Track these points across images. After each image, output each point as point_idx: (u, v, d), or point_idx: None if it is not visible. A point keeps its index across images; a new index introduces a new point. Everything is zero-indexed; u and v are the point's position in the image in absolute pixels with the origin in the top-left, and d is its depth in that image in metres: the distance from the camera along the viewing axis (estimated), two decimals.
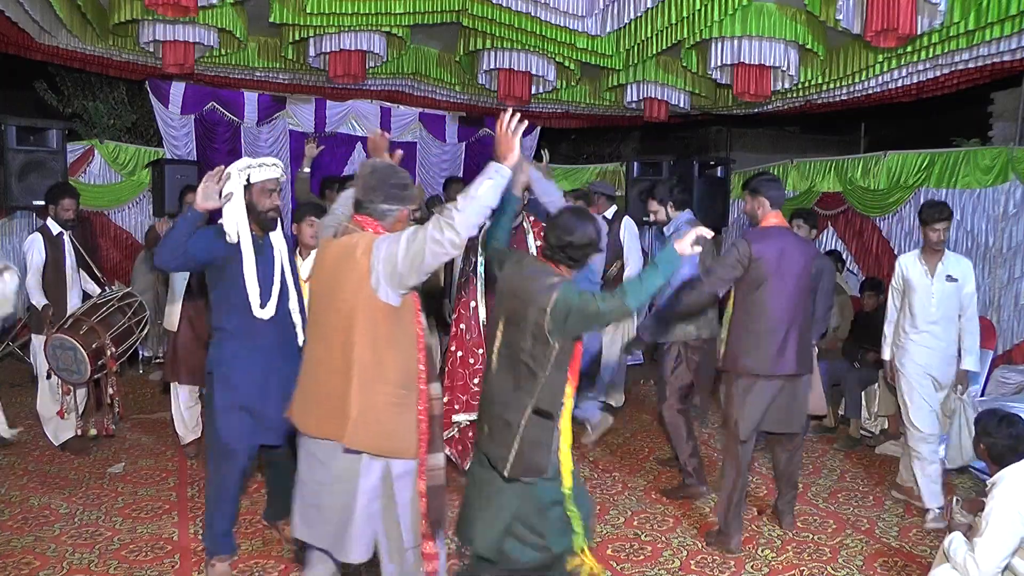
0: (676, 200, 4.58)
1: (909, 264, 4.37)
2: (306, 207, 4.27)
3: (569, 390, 2.76)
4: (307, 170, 5.51)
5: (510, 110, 2.53)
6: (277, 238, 3.40)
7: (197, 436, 5.05)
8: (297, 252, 4.12)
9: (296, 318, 3.41)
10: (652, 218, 4.74)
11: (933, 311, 4.26)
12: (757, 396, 3.78)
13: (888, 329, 4.54)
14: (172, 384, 5.06)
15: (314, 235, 3.93)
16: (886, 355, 4.54)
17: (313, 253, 3.49)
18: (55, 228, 5.05)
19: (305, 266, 3.90)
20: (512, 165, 2.42)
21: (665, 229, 4.65)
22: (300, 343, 3.34)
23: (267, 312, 3.29)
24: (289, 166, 8.09)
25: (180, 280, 4.97)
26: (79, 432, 5.01)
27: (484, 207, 2.37)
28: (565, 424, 2.78)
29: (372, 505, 2.47)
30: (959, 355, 4.33)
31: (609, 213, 5.90)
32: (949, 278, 4.25)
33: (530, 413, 2.67)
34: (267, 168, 3.26)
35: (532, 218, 4.22)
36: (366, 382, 2.43)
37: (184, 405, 5.02)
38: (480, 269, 4.14)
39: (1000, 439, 2.95)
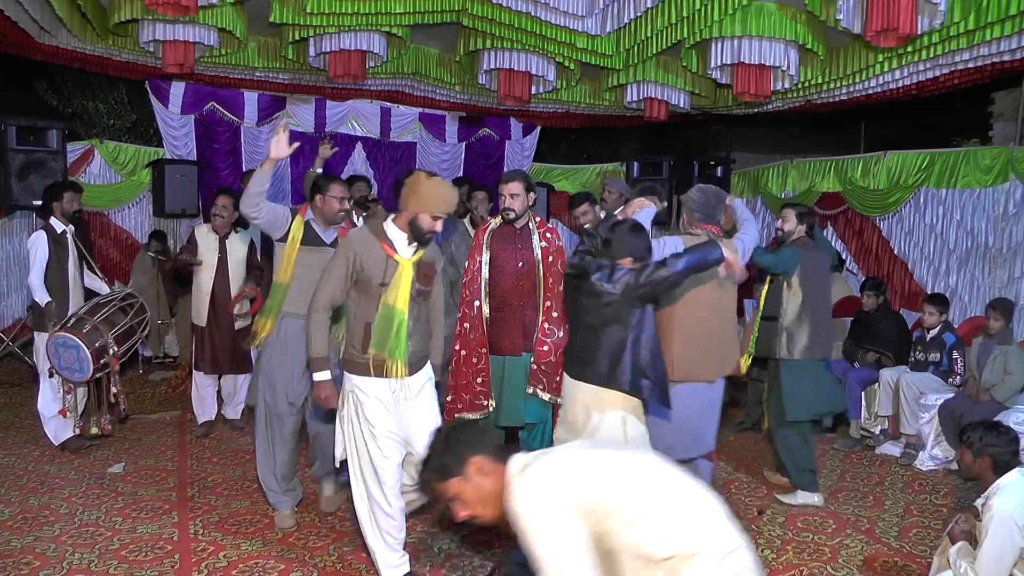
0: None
1: None
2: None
3: None
4: (318, 170, 5.51)
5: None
6: None
7: (211, 418, 5.54)
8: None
9: None
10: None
11: None
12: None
13: None
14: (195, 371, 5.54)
15: None
16: None
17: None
18: (59, 227, 5.07)
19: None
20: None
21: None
22: None
23: None
24: (289, 166, 8.11)
25: (207, 277, 5.31)
26: (78, 431, 5.01)
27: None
28: None
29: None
30: None
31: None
32: None
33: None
34: None
35: (538, 219, 4.20)
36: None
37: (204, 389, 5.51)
38: (485, 269, 4.10)
39: (1003, 447, 2.96)
